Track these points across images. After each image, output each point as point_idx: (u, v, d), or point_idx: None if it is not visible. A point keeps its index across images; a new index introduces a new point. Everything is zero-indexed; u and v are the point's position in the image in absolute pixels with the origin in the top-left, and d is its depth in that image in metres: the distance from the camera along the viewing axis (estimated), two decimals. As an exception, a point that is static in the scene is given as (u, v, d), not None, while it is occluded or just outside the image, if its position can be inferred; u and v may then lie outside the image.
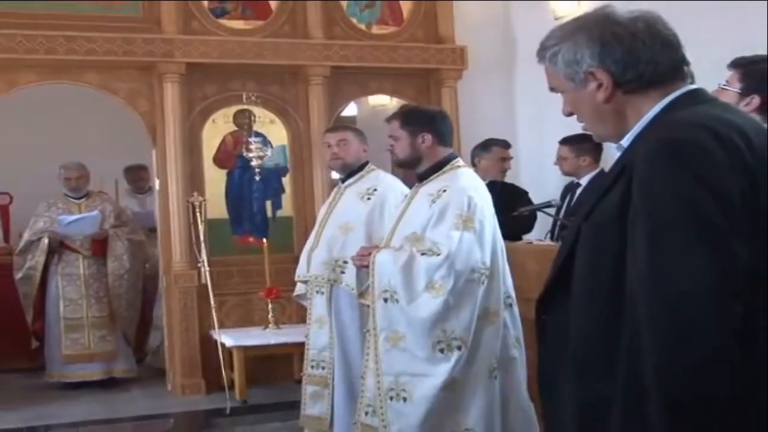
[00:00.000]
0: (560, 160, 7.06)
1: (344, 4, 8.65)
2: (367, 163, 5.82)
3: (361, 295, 5.00)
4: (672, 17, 2.29)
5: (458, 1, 8.84)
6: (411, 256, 4.46)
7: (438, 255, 4.39)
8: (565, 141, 6.95)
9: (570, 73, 2.26)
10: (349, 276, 5.45)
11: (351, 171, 5.81)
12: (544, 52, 2.31)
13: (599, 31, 2.20)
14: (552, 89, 2.34)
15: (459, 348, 4.34)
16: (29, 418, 7.53)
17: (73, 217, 8.60)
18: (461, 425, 4.40)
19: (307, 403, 5.71)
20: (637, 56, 2.17)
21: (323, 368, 5.65)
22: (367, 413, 4.67)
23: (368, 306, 4.74)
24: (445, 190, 4.57)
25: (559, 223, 6.73)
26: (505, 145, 7.64)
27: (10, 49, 7.62)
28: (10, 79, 7.87)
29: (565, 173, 7.13)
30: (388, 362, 4.47)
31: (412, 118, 4.88)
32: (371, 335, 4.59)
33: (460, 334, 4.34)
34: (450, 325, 4.35)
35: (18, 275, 8.60)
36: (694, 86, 2.19)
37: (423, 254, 4.44)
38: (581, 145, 6.82)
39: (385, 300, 4.51)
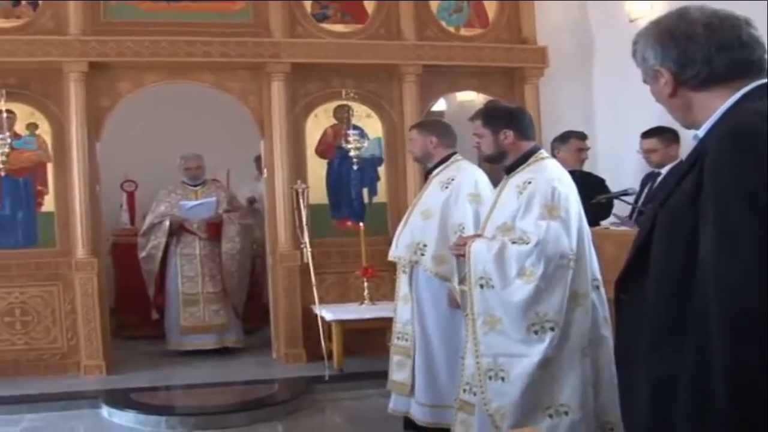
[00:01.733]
0: (648, 152, 6.97)
1: (434, 8, 8.75)
2: (453, 154, 5.93)
3: (461, 282, 5.03)
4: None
5: (540, 3, 8.90)
6: (503, 245, 4.50)
7: (527, 243, 4.43)
8: (652, 133, 6.90)
9: (644, 68, 2.35)
10: (427, 259, 5.62)
11: (435, 162, 5.95)
12: (632, 47, 2.40)
13: (661, 33, 2.28)
14: (643, 80, 2.41)
15: (552, 329, 4.38)
16: (152, 379, 7.90)
17: (193, 203, 8.90)
18: (556, 401, 4.43)
19: (393, 370, 5.93)
20: (692, 57, 2.22)
21: (406, 340, 5.84)
22: (465, 391, 4.75)
23: (467, 291, 4.77)
24: (530, 182, 4.59)
25: (636, 209, 6.73)
26: (582, 136, 7.63)
27: (137, 53, 7.97)
28: (137, 79, 8.21)
29: (655, 165, 6.97)
30: (487, 344, 4.52)
31: (493, 117, 4.92)
32: (469, 319, 4.64)
33: (552, 316, 4.38)
34: (542, 308, 4.39)
35: (142, 254, 8.94)
36: (765, 81, 2.21)
37: (514, 243, 4.48)
38: (667, 136, 6.80)
39: (481, 286, 4.54)
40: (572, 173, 6.72)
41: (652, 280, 2.18)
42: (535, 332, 4.39)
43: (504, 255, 4.47)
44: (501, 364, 4.47)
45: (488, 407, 4.49)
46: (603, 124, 8.75)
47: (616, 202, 6.92)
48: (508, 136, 4.77)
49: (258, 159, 10.04)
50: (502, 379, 4.46)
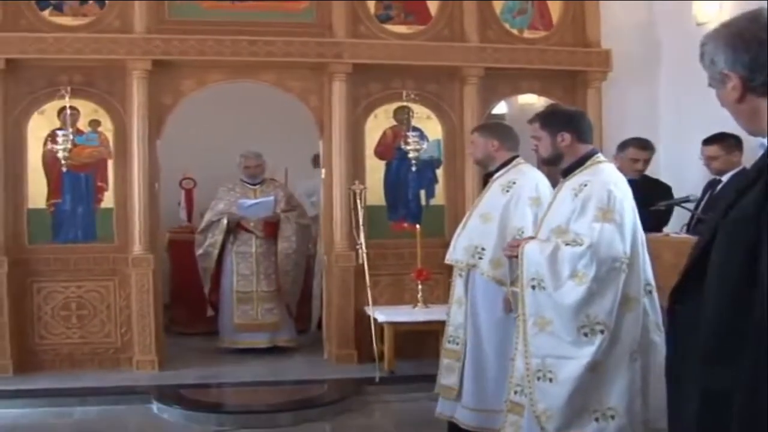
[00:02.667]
0: (709, 159, 6.79)
1: (498, 10, 8.58)
2: (514, 157, 5.79)
3: (512, 283, 5.00)
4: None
5: (605, 4, 8.65)
6: (556, 247, 4.44)
7: (581, 245, 4.36)
8: (713, 140, 6.72)
9: (712, 72, 2.24)
10: (485, 263, 5.50)
11: (496, 165, 5.81)
12: (700, 50, 2.29)
13: (732, 36, 2.18)
14: (709, 84, 2.29)
15: (602, 332, 4.31)
16: (204, 376, 7.87)
17: (252, 201, 8.86)
18: (604, 404, 4.36)
19: (442, 374, 5.82)
20: (764, 63, 2.12)
21: (457, 344, 5.73)
22: (516, 392, 4.69)
23: (518, 293, 4.70)
24: (586, 185, 4.52)
25: (696, 217, 6.56)
26: (642, 146, 7.40)
27: (201, 52, 7.96)
28: (199, 77, 8.19)
29: (716, 172, 6.78)
30: (536, 345, 4.46)
31: (551, 119, 4.85)
32: (520, 320, 4.58)
33: (603, 319, 4.31)
34: (593, 310, 4.32)
35: (199, 251, 8.92)
36: None
37: (567, 244, 4.41)
38: (729, 142, 6.59)
39: (533, 288, 4.49)
40: (638, 180, 6.62)
41: (709, 292, 2.10)
42: (585, 334, 4.33)
43: (557, 256, 4.41)
44: (549, 365, 4.42)
45: (535, 408, 4.45)
46: (666, 129, 8.53)
47: (677, 208, 6.79)
48: (565, 138, 4.69)
49: (315, 158, 9.93)
50: (550, 380, 4.41)
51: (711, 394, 2.04)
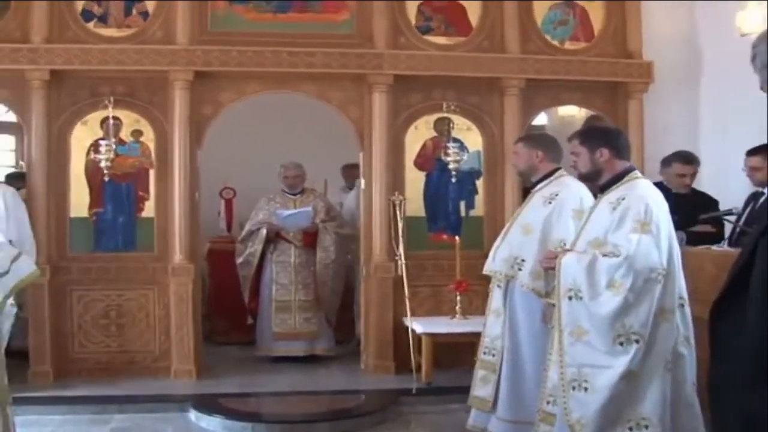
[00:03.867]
0: (752, 170, 6.66)
1: (539, 21, 8.50)
2: (557, 169, 5.80)
3: (548, 294, 4.99)
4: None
5: (647, 14, 8.53)
6: (594, 258, 4.50)
7: (618, 256, 4.42)
8: (757, 151, 6.59)
9: (763, 76, 2.21)
10: (524, 274, 5.50)
11: (539, 177, 5.81)
12: (751, 51, 2.14)
13: None
14: (761, 88, 2.24)
15: (637, 342, 4.35)
16: (241, 385, 7.86)
17: (290, 212, 8.88)
18: (638, 414, 4.39)
19: (476, 385, 5.84)
20: None
21: (494, 355, 5.75)
22: (548, 402, 4.75)
23: (554, 305, 4.74)
24: (624, 198, 4.60)
25: (738, 230, 6.46)
26: (686, 159, 7.34)
27: (241, 63, 7.98)
28: (240, 88, 8.21)
29: (758, 183, 6.67)
30: (572, 355, 4.51)
31: (590, 136, 4.96)
32: (556, 330, 4.62)
33: (638, 329, 4.36)
34: (629, 320, 4.37)
35: (239, 260, 8.95)
36: None
37: (605, 255, 4.48)
38: None
39: (570, 298, 4.54)
40: (687, 194, 6.52)
41: (750, 312, 2.06)
42: (621, 344, 4.38)
43: (594, 267, 4.49)
44: (585, 374, 4.47)
45: (569, 417, 4.49)
46: (709, 141, 8.39)
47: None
48: (603, 154, 4.79)
49: (345, 168, 9.89)
50: (585, 389, 4.46)
51: (752, 419, 1.99)
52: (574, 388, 4.47)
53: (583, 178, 5.01)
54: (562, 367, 4.52)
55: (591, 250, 4.57)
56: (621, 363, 4.34)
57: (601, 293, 4.41)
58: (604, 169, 4.78)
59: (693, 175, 7.34)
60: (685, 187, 7.19)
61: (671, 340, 4.44)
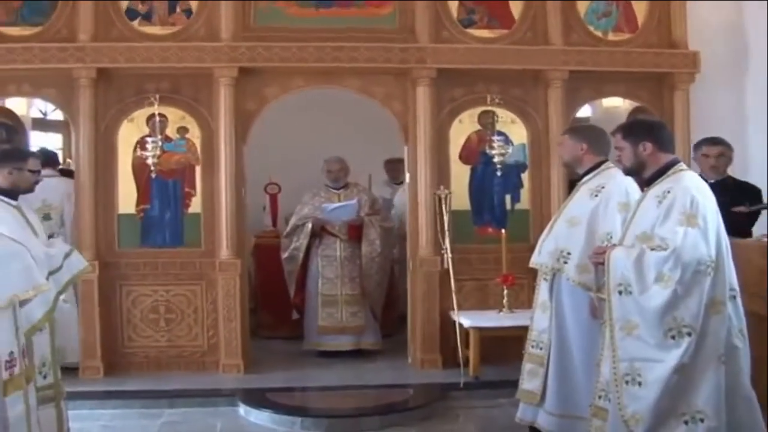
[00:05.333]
0: None
1: (582, 12, 8.44)
2: (604, 161, 5.74)
3: (598, 289, 4.96)
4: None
5: (692, 5, 8.44)
6: (641, 252, 4.48)
7: (665, 249, 4.40)
8: None
9: None
10: (571, 267, 5.48)
11: (585, 169, 5.76)
12: None
13: None
14: None
15: (689, 334, 4.34)
16: (288, 379, 7.91)
17: (335, 205, 8.92)
18: (692, 407, 4.37)
19: (524, 378, 5.82)
20: None
21: (541, 348, 5.73)
22: (600, 397, 4.73)
23: (604, 299, 4.73)
24: (669, 191, 4.57)
25: None
26: (711, 142, 7.17)
27: (285, 59, 8.02)
28: (284, 83, 8.25)
29: None
30: (624, 349, 4.49)
31: (632, 129, 4.94)
32: (607, 326, 4.62)
33: (689, 321, 4.34)
34: (680, 313, 4.35)
35: (284, 255, 8.99)
36: None
37: (652, 249, 4.46)
38: None
39: (620, 293, 4.53)
40: (723, 182, 6.40)
41: None
42: (672, 337, 4.38)
43: (642, 261, 4.47)
44: (638, 368, 4.47)
45: (623, 412, 4.48)
46: (756, 132, 8.31)
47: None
48: (647, 147, 4.77)
49: (388, 163, 9.86)
50: (639, 384, 4.45)
51: None
52: (627, 383, 4.46)
53: (628, 172, 4.94)
54: (614, 361, 4.52)
55: (639, 244, 4.55)
56: (673, 356, 4.32)
57: (650, 287, 4.39)
58: (648, 163, 4.75)
59: (719, 157, 7.10)
60: (710, 168, 7.04)
61: (724, 332, 4.40)
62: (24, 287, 4.18)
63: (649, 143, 4.73)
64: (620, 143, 4.85)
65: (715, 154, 7.05)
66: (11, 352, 4.17)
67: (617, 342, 4.50)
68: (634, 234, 4.65)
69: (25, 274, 4.22)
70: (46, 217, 7.79)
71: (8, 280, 4.08)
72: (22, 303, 4.32)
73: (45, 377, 5.12)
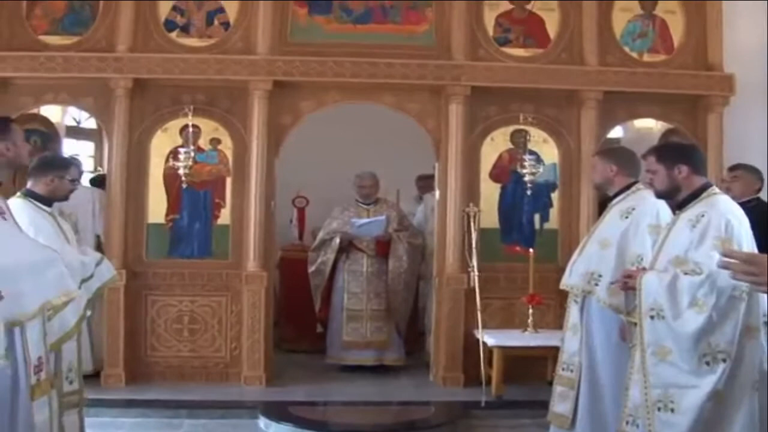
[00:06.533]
0: None
1: (618, 33, 8.38)
2: (634, 183, 5.66)
3: (629, 313, 4.82)
4: None
5: (729, 26, 8.33)
6: (675, 276, 4.38)
7: (700, 274, 4.29)
8: None
9: None
10: (602, 289, 5.38)
11: (615, 190, 5.69)
12: None
13: None
14: None
15: (724, 360, 4.22)
16: (310, 393, 7.86)
17: (364, 221, 8.88)
18: None
19: (555, 401, 5.72)
20: None
21: (572, 371, 5.63)
22: (628, 422, 4.61)
23: (634, 323, 4.62)
24: (703, 215, 4.46)
25: None
26: (729, 168, 7.12)
27: (321, 73, 8.02)
28: (319, 98, 8.27)
29: None
30: (657, 375, 4.37)
31: (667, 152, 4.83)
32: (638, 350, 4.50)
33: (724, 347, 4.23)
34: (715, 338, 4.24)
35: (311, 269, 8.96)
36: None
37: (686, 274, 4.35)
38: None
39: (652, 317, 4.41)
40: (755, 202, 6.30)
41: None
42: (707, 363, 4.25)
43: (676, 286, 4.36)
44: (671, 395, 4.33)
45: None
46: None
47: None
48: (682, 171, 4.65)
49: (419, 179, 9.82)
50: (672, 410, 4.32)
51: None
52: (659, 409, 4.34)
53: (661, 195, 4.82)
54: (646, 387, 4.40)
55: (671, 268, 4.45)
56: (707, 382, 4.21)
57: (684, 312, 4.29)
58: (682, 186, 4.64)
59: (735, 180, 6.92)
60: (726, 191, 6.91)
61: (757, 359, 4.30)
62: (55, 293, 4.21)
63: (685, 166, 4.62)
64: (654, 166, 4.73)
65: (729, 179, 6.97)
66: (39, 357, 4.21)
67: (649, 367, 4.39)
68: (667, 258, 4.54)
69: (59, 281, 4.24)
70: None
71: (43, 287, 4.09)
72: (58, 309, 4.36)
73: (71, 383, 5.14)
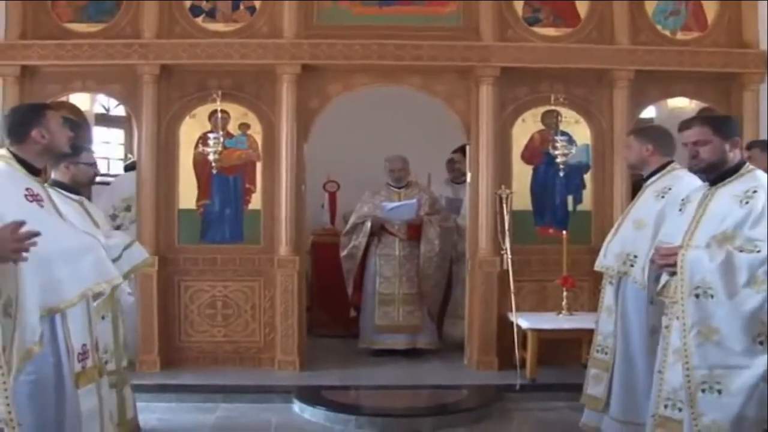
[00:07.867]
0: None
1: (650, 11, 8.25)
2: (669, 162, 5.62)
3: (659, 293, 4.67)
4: None
5: (764, 2, 8.16)
6: (729, 254, 4.20)
7: (759, 252, 4.14)
8: None
9: None
10: (637, 270, 5.34)
11: (651, 170, 5.66)
12: None
13: None
14: None
15: None
16: (343, 377, 7.87)
17: (395, 204, 8.87)
18: None
19: (589, 384, 5.72)
20: None
21: (606, 353, 5.63)
22: (666, 406, 4.49)
23: (665, 302, 4.54)
24: (755, 191, 4.31)
25: None
26: (746, 146, 6.97)
27: (348, 56, 7.97)
28: (346, 81, 8.21)
29: None
30: (701, 356, 4.21)
31: (724, 125, 4.61)
32: (678, 331, 4.32)
33: None
34: None
35: (343, 253, 8.97)
36: None
37: (741, 251, 4.20)
38: None
39: (697, 296, 4.23)
40: None
41: None
42: (761, 342, 4.10)
43: (732, 263, 4.18)
44: (718, 376, 4.18)
45: (697, 421, 4.20)
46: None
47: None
48: (735, 144, 4.52)
49: (450, 162, 9.81)
50: (719, 392, 4.17)
51: None
52: (704, 391, 4.19)
53: (704, 169, 4.56)
54: (688, 369, 4.24)
55: (715, 245, 4.29)
56: (760, 363, 4.07)
57: (740, 290, 4.14)
58: (728, 161, 4.50)
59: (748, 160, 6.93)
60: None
61: None
62: (96, 280, 4.25)
63: (738, 139, 4.54)
64: (709, 137, 4.49)
65: (746, 158, 6.90)
66: (84, 345, 4.26)
67: (692, 348, 4.22)
68: (709, 234, 4.36)
69: (97, 267, 4.28)
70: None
71: (81, 273, 4.13)
72: (96, 297, 4.42)
73: (106, 363, 5.20)
